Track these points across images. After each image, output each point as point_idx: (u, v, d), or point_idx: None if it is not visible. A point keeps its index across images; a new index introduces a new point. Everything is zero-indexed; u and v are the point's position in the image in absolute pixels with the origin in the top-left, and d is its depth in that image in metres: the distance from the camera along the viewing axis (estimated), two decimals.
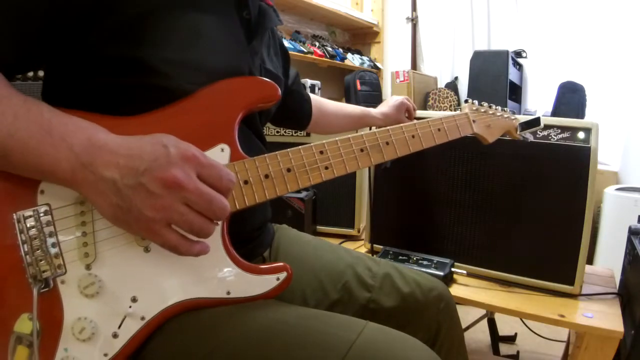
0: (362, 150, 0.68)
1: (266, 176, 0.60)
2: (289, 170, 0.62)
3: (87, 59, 0.56)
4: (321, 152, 0.65)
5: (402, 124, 0.74)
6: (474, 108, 0.86)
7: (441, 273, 1.00)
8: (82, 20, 0.53)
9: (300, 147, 0.63)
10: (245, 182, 0.59)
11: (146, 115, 0.56)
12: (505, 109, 0.93)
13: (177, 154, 0.47)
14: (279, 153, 0.62)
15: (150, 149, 0.47)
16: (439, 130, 0.79)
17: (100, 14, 0.53)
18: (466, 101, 0.87)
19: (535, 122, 0.93)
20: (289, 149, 0.62)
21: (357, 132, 0.78)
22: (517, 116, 0.96)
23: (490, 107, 0.89)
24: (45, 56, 0.56)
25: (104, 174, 0.46)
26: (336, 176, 0.66)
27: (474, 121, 0.85)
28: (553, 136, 0.97)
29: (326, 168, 0.65)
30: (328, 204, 1.35)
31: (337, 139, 0.67)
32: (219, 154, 0.58)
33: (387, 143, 0.71)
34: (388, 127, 0.72)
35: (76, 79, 0.58)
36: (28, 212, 0.51)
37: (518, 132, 0.94)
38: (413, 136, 0.75)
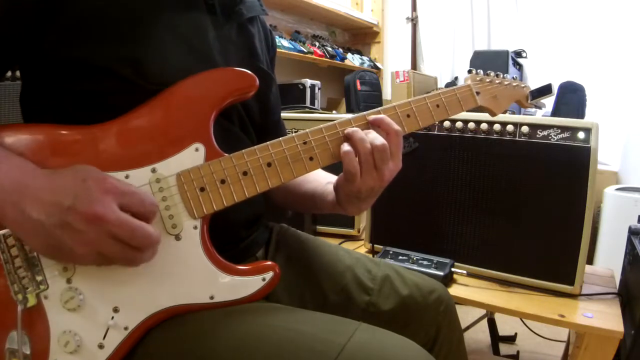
0: None
1: (245, 173, 0.57)
2: (269, 164, 0.58)
3: (48, 64, 0.56)
4: (304, 143, 0.60)
5: (395, 103, 0.66)
6: (478, 79, 0.77)
7: (441, 273, 0.99)
8: (36, 21, 0.54)
9: (280, 138, 0.60)
10: (222, 182, 0.56)
11: (114, 122, 0.55)
12: (515, 77, 0.84)
13: (97, 188, 0.48)
14: (258, 147, 0.58)
15: (71, 184, 0.48)
16: (437, 106, 0.69)
17: (52, 13, 0.53)
18: (470, 71, 0.78)
19: (547, 89, 0.86)
20: (268, 142, 0.59)
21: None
22: (527, 84, 0.87)
23: (497, 76, 0.81)
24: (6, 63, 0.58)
25: (32, 215, 0.47)
26: (322, 167, 0.61)
27: (477, 93, 0.76)
28: (553, 136, 0.97)
29: (310, 159, 0.60)
30: None
31: (322, 126, 0.61)
32: (194, 154, 0.56)
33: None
34: (379, 108, 0.65)
35: (45, 85, 0.58)
36: (8, 231, 0.51)
37: (529, 101, 0.87)
38: (408, 115, 0.67)
